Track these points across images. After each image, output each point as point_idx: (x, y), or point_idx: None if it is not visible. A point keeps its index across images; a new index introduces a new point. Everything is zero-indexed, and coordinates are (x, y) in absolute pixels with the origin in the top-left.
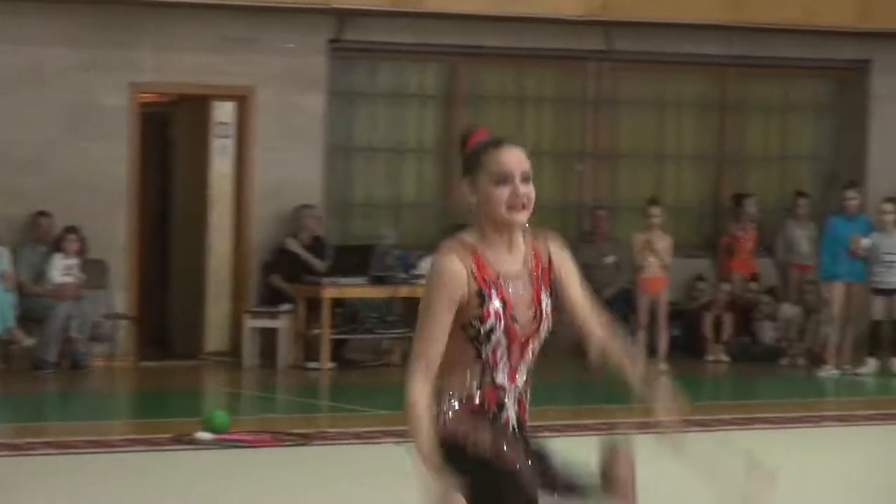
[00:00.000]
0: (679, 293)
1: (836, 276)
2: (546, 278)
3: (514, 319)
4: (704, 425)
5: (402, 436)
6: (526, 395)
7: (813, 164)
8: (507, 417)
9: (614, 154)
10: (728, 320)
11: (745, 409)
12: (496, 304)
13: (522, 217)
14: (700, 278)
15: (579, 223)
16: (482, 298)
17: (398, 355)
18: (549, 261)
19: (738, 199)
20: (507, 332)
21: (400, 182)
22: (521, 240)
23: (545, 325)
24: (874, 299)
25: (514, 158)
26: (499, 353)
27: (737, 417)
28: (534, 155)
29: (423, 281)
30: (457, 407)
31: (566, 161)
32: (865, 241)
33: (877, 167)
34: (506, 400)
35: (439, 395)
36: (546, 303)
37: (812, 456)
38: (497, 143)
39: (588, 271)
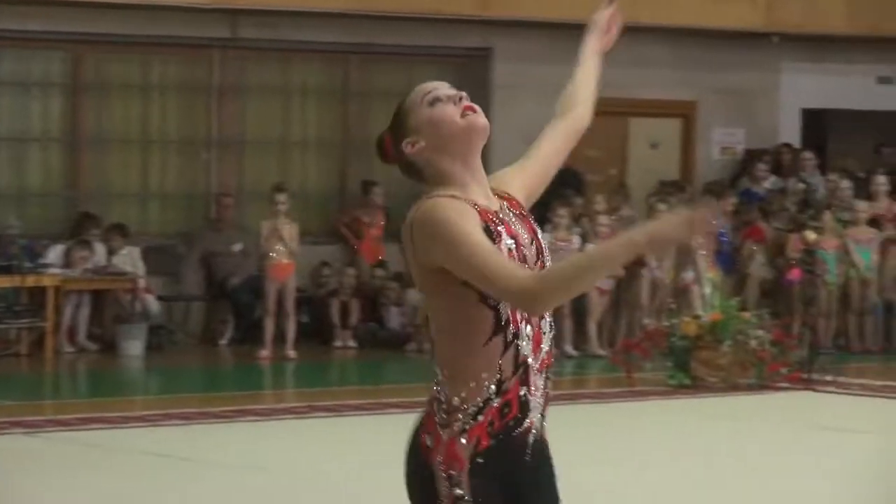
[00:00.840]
0: (306, 280)
1: None
2: (524, 210)
3: (524, 259)
4: (333, 410)
5: (31, 426)
6: (549, 380)
7: None
8: (531, 424)
9: (240, 141)
10: (355, 306)
11: (373, 394)
12: (508, 241)
13: (481, 119)
14: (325, 264)
15: (206, 211)
16: (491, 236)
17: (25, 345)
18: (510, 195)
19: (367, 186)
20: None
21: (25, 171)
22: (485, 177)
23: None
24: None
25: (434, 84)
26: (519, 312)
27: (365, 402)
28: (159, 143)
29: (51, 270)
30: (469, 426)
31: (192, 149)
32: None
33: (500, 156)
34: (531, 392)
35: (447, 407)
36: (543, 237)
37: None
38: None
39: (214, 260)
